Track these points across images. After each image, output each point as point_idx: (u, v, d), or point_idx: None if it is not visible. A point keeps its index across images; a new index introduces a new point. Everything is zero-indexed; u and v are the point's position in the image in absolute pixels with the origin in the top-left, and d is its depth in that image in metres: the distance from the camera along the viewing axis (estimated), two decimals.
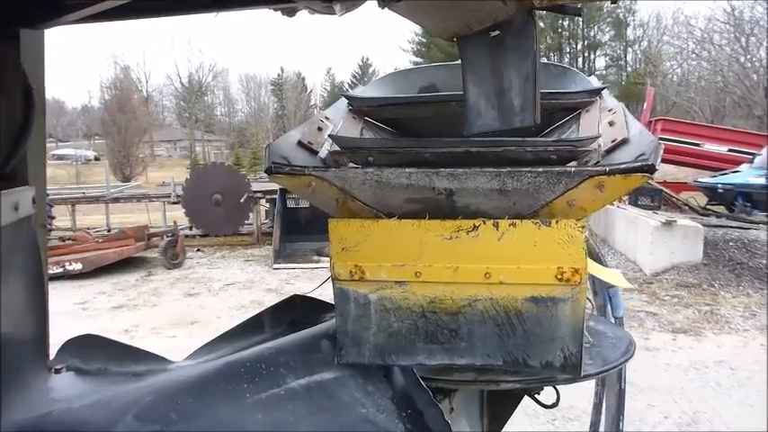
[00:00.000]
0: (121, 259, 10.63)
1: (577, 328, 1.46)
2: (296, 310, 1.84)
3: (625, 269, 10.07)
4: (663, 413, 4.97)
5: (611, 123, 1.66)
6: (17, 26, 1.68)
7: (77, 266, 9.92)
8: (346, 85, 69.63)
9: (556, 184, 1.40)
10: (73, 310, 8.25)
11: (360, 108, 2.04)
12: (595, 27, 47.64)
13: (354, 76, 70.24)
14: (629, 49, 49.41)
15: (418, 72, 2.42)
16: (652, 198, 12.50)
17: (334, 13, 1.80)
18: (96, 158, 50.32)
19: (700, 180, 16.69)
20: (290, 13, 1.91)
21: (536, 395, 1.84)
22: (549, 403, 1.89)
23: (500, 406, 1.92)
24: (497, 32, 1.60)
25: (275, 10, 1.86)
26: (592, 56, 48.49)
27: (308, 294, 1.91)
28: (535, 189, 1.42)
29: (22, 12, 1.65)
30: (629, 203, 12.48)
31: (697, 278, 9.26)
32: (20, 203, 1.54)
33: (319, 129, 1.80)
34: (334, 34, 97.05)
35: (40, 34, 1.89)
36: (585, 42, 47.84)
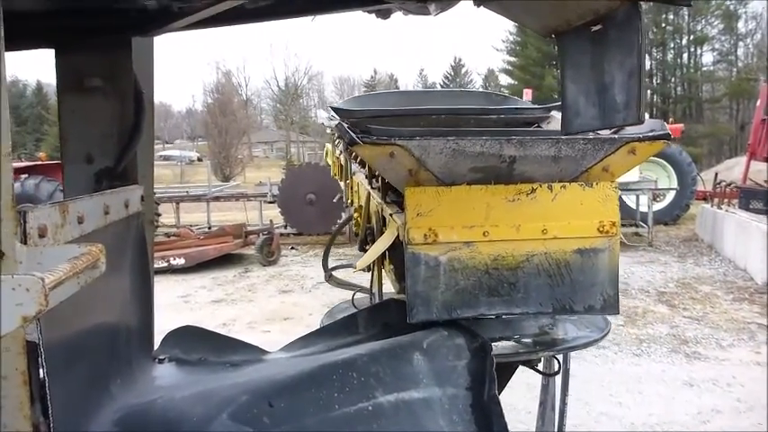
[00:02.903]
0: (220, 255, 11.08)
1: (614, 274, 1.72)
2: (390, 314, 1.85)
3: (734, 277, 9.42)
4: None
5: None
6: (130, 34, 1.77)
7: (180, 261, 10.45)
8: (438, 86, 69.46)
9: (599, 150, 1.67)
10: (176, 303, 8.68)
11: (348, 119, 2.17)
12: (702, 20, 44.90)
13: (446, 77, 69.92)
14: (741, 44, 46.30)
15: (381, 96, 2.84)
16: (766, 201, 11.62)
17: (429, 14, 1.78)
18: (199, 159, 52.67)
19: None
20: (385, 15, 1.91)
21: (535, 366, 2.08)
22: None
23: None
24: (599, 27, 1.53)
25: (369, 12, 1.86)
26: (698, 51, 45.77)
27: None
28: (581, 155, 1.66)
29: (134, 20, 1.74)
30: (740, 207, 11.67)
31: None
32: (129, 201, 1.63)
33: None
34: (427, 35, 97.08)
35: (150, 41, 1.99)
36: (691, 37, 45.20)
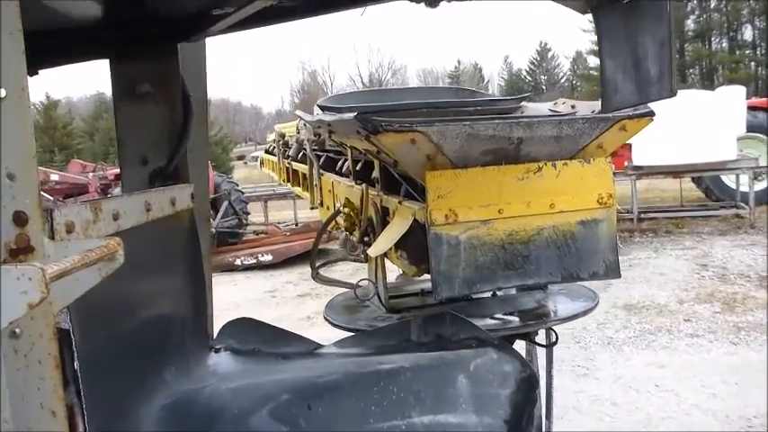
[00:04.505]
0: (306, 251, 11.39)
1: (613, 241, 1.88)
2: (445, 327, 1.87)
3: None
4: None
5: (572, 106, 2.21)
6: (175, 41, 1.87)
7: (268, 258, 10.83)
8: (524, 72, 67.89)
9: (594, 128, 1.82)
10: (263, 298, 9.02)
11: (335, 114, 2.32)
12: None
13: (533, 63, 68.30)
14: None
15: (357, 94, 3.14)
16: None
17: None
18: None
19: None
20: (433, 3, 1.92)
21: (533, 338, 2.25)
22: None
23: None
24: None
25: (416, 2, 1.88)
26: None
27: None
28: (579, 134, 1.81)
29: (178, 28, 1.83)
30: None
31: None
32: (177, 199, 1.72)
33: None
34: (512, 21, 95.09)
35: (200, 46, 2.09)
36: None
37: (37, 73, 1.95)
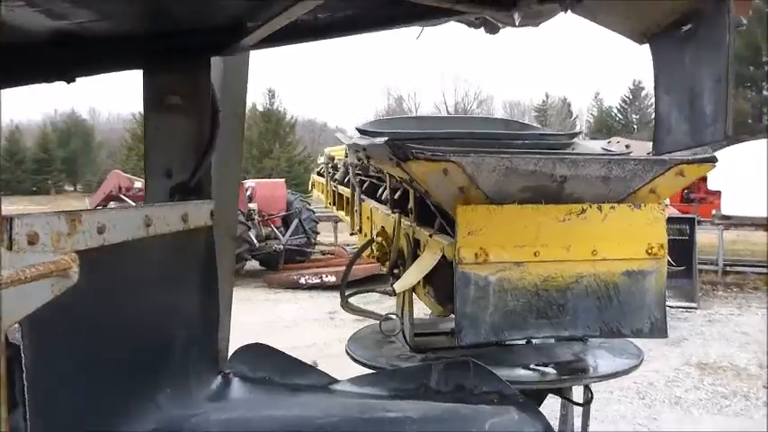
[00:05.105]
0: (368, 276, 11.33)
1: (661, 296, 1.72)
2: (467, 377, 1.73)
3: None
4: None
5: (627, 146, 2.16)
6: (207, 54, 1.83)
7: (332, 279, 10.83)
8: (614, 110, 66.05)
9: (648, 171, 1.68)
10: (322, 319, 8.98)
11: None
12: None
13: (624, 101, 66.31)
14: None
15: (399, 120, 3.06)
16: None
17: (513, 24, 1.68)
18: None
19: None
20: (493, 30, 1.86)
21: (568, 395, 2.10)
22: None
23: None
24: (689, 26, 1.31)
25: (461, 22, 1.82)
26: None
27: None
28: (631, 176, 1.67)
29: (211, 41, 1.79)
30: None
31: None
32: (189, 215, 1.65)
33: None
34: (604, 56, 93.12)
35: (241, 60, 2.05)
36: None
37: (74, 80, 1.96)
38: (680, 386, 5.96)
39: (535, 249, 1.66)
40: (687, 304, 8.97)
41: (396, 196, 2.47)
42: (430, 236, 1.93)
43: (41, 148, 50.82)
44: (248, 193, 12.72)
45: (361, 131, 2.52)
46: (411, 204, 2.17)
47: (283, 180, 15.21)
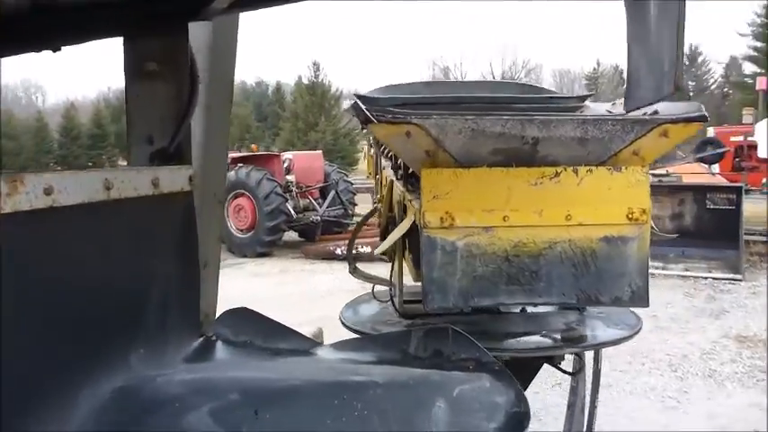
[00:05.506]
0: None
1: (643, 263, 1.64)
2: (445, 343, 1.71)
3: None
4: None
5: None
6: (185, 19, 1.83)
7: (367, 249, 10.85)
8: None
9: (629, 132, 1.57)
10: (356, 289, 9.04)
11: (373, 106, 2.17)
12: None
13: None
14: None
15: (412, 85, 2.91)
16: None
17: None
18: None
19: None
20: None
21: (558, 364, 2.05)
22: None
23: (519, 375, 1.83)
24: None
25: None
26: None
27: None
28: (609, 138, 1.58)
29: (188, 6, 1.79)
30: None
31: None
32: (161, 180, 1.66)
33: None
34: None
35: (229, 25, 2.04)
36: None
37: (59, 49, 1.99)
38: (716, 359, 5.79)
39: (504, 214, 1.61)
40: (731, 276, 8.66)
41: (398, 162, 2.46)
42: (410, 200, 1.90)
43: (95, 124, 52.32)
44: (286, 165, 12.82)
45: (359, 97, 2.50)
46: (402, 170, 2.15)
47: (320, 152, 15.27)
